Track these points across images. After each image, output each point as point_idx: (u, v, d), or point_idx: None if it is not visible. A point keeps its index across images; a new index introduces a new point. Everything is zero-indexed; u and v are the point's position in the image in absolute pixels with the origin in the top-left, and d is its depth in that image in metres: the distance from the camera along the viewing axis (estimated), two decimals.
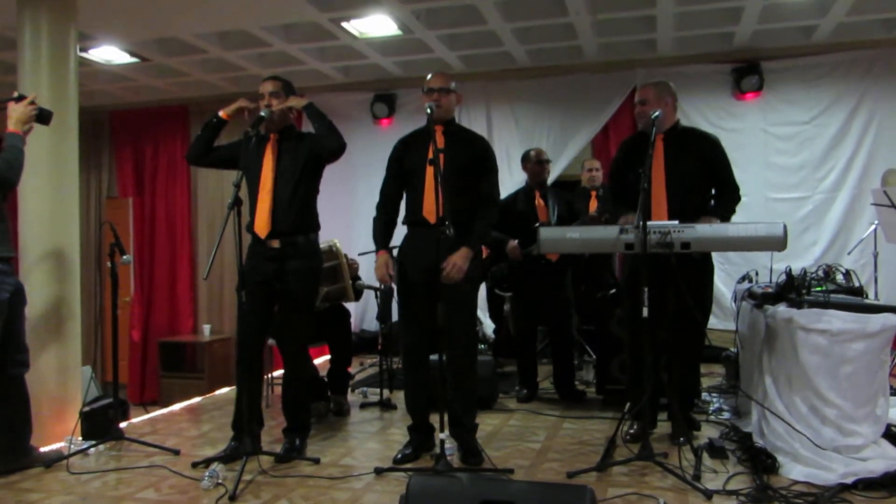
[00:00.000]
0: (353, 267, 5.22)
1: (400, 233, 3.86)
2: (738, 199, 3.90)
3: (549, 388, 5.31)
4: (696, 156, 3.87)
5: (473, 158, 3.71)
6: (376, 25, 6.43)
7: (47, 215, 4.63)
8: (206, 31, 6.61)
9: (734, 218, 3.87)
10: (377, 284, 5.46)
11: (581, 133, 7.41)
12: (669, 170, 3.81)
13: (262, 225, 3.75)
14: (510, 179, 7.18)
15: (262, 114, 3.72)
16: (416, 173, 3.69)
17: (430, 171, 3.52)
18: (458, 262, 3.51)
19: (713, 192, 3.98)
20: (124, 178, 9.12)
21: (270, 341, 4.39)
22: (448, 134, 3.71)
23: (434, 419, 3.51)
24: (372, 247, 3.88)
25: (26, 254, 4.60)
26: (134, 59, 7.24)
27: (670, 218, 3.67)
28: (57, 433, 4.27)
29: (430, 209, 3.60)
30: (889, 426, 3.40)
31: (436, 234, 3.38)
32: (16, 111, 3.63)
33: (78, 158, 4.89)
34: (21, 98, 3.67)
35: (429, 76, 3.75)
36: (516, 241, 5.00)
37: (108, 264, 4.04)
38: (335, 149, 3.78)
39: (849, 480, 3.07)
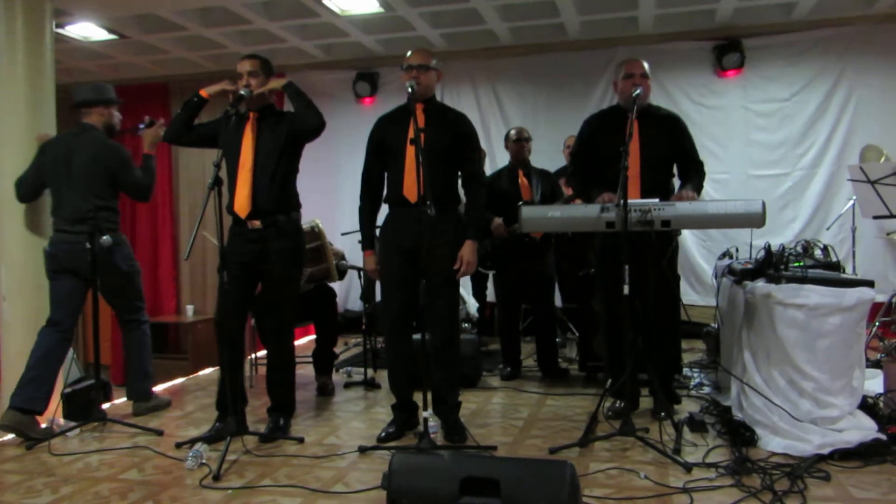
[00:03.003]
0: (338, 254, 5.21)
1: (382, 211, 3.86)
2: (704, 174, 3.96)
3: (533, 366, 5.34)
4: (666, 134, 3.92)
5: (454, 137, 3.68)
6: (357, 2, 6.35)
7: None
8: (185, 7, 6.51)
9: (714, 195, 3.91)
10: (360, 264, 5.49)
11: (568, 112, 7.37)
12: (644, 148, 3.83)
13: (242, 205, 3.72)
14: (496, 157, 7.19)
15: (242, 93, 3.69)
16: (396, 152, 3.67)
17: (410, 150, 3.53)
18: (469, 258, 3.60)
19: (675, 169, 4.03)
20: None
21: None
22: (428, 112, 3.67)
23: (417, 397, 3.53)
24: (356, 226, 3.87)
25: (4, 234, 4.54)
26: (112, 36, 7.13)
27: (643, 196, 3.70)
28: None
29: (410, 188, 3.58)
30: (865, 397, 3.46)
31: (416, 214, 3.36)
32: (148, 135, 4.37)
33: None
34: (152, 123, 4.37)
35: (409, 53, 3.73)
36: (501, 219, 5.00)
37: (88, 245, 4.00)
38: (315, 126, 3.75)
39: (825, 451, 3.13)
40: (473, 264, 3.62)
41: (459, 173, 3.79)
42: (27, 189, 4.34)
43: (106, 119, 4.30)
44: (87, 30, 6.94)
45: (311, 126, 3.75)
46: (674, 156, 3.96)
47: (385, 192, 3.82)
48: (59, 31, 6.62)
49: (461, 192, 3.85)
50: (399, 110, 3.79)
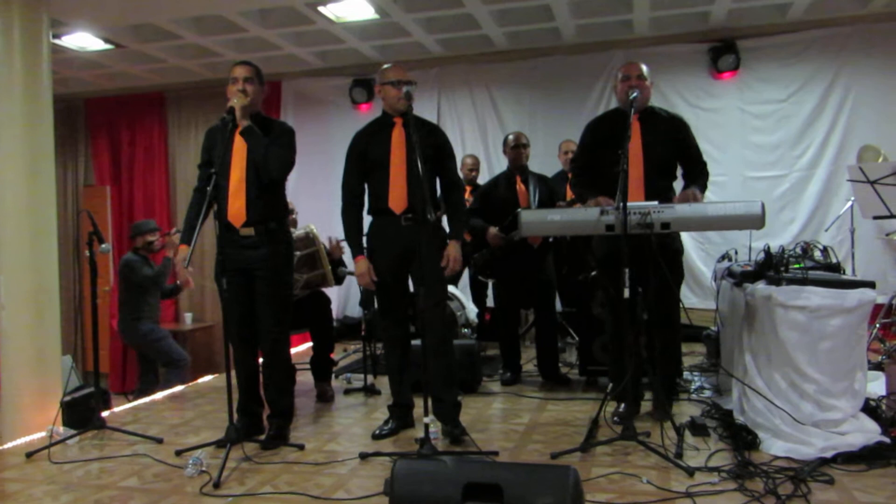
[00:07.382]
0: (340, 248, 5.17)
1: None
2: (707, 173, 3.97)
3: (533, 371, 5.33)
4: (669, 136, 3.91)
5: (435, 147, 3.79)
6: (353, 9, 6.36)
7: (24, 204, 4.57)
8: (181, 16, 6.52)
9: (712, 197, 3.91)
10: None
11: (565, 116, 7.36)
12: (647, 151, 3.83)
13: (236, 215, 3.72)
14: (493, 163, 7.20)
15: (235, 100, 3.69)
16: (380, 165, 3.76)
17: (395, 162, 3.69)
18: (455, 256, 3.70)
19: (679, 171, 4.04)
20: (101, 167, 9.01)
21: None
22: (407, 125, 3.70)
23: (416, 402, 3.52)
24: None
25: (3, 244, 4.54)
26: (108, 46, 7.13)
27: (647, 198, 3.69)
28: (38, 423, 4.24)
29: (396, 199, 3.71)
30: (867, 400, 3.45)
31: (402, 223, 3.60)
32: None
33: (53, 147, 4.82)
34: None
35: (385, 66, 3.96)
36: (496, 229, 5.02)
37: (87, 253, 4.00)
38: (275, 177, 3.75)
39: (828, 454, 3.12)
40: (459, 261, 3.72)
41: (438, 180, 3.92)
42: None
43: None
44: (83, 40, 6.95)
45: (271, 175, 3.73)
46: (677, 158, 3.96)
47: (367, 203, 3.92)
48: (56, 41, 6.64)
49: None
50: (375, 123, 3.93)
